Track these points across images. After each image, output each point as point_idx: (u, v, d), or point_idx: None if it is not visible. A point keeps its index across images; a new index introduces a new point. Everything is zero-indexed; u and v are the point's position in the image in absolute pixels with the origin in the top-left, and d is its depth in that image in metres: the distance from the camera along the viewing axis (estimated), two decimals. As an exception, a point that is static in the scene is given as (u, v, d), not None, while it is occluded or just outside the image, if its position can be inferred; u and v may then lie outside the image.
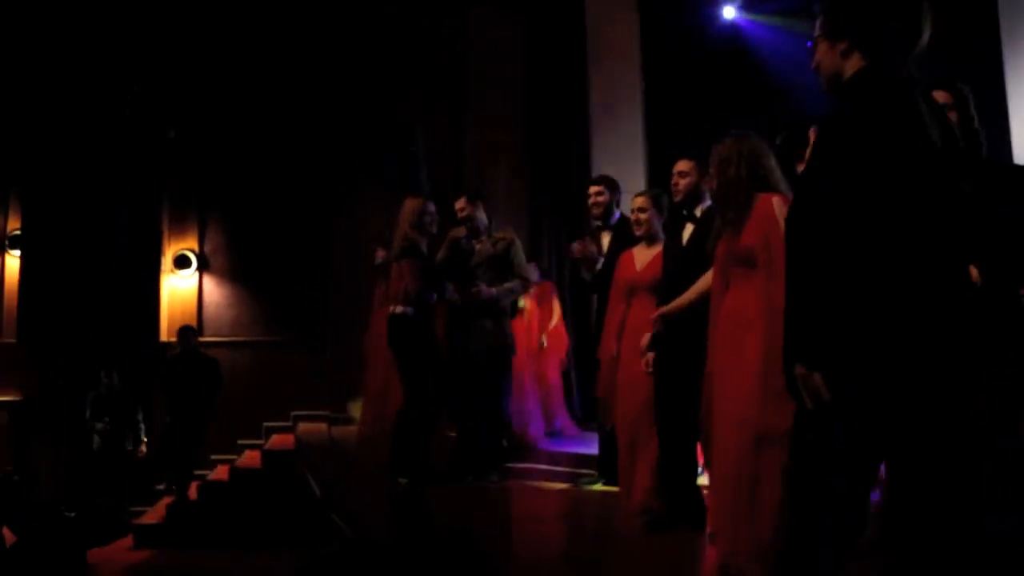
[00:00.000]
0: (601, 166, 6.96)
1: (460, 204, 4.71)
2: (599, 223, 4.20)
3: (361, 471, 5.28)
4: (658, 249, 3.63)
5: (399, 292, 4.44)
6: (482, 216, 4.72)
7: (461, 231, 4.69)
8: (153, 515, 6.87)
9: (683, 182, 3.45)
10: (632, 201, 3.78)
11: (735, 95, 6.62)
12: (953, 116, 2.10)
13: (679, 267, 3.35)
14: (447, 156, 8.18)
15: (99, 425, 6.94)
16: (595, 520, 3.83)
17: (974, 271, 1.98)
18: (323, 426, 7.51)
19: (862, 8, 1.75)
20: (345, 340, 7.33)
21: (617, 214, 4.38)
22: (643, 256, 3.71)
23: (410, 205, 4.51)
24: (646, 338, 3.36)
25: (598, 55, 7.60)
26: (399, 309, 4.40)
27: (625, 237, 3.94)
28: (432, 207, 4.54)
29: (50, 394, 7.45)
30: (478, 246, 4.70)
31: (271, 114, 8.33)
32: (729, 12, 7.34)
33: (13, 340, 8.26)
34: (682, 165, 3.47)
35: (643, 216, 3.67)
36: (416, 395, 4.29)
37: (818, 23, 1.84)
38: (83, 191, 8.09)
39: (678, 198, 3.49)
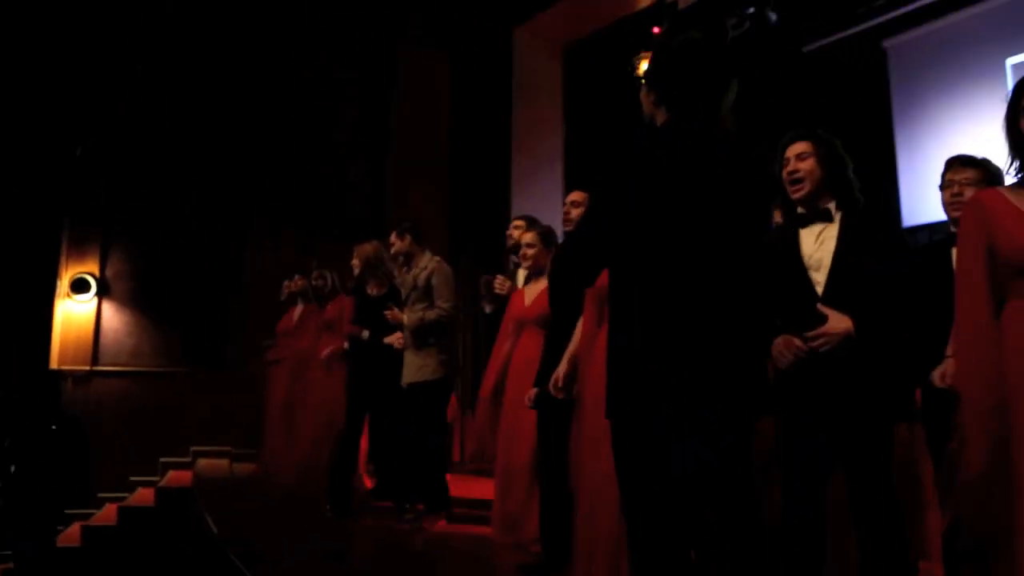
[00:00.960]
0: (521, 202, 7.02)
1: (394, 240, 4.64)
2: (516, 260, 4.19)
3: (267, 506, 5.05)
4: (545, 284, 3.64)
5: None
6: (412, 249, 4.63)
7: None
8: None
9: (575, 212, 3.48)
10: (520, 236, 3.82)
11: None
12: (809, 163, 2.27)
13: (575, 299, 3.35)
14: (368, 189, 8.10)
15: None
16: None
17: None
18: (225, 462, 7.19)
19: (670, 65, 1.86)
20: (250, 373, 7.05)
21: None
22: (531, 292, 3.73)
23: (371, 248, 4.78)
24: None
25: (521, 96, 7.72)
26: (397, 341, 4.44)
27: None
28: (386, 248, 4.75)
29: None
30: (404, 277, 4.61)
31: (186, 138, 8.06)
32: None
33: None
34: (575, 195, 3.54)
35: (530, 252, 3.69)
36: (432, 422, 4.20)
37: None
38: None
39: (567, 228, 3.53)
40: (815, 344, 2.14)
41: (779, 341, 2.22)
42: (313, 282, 5.82)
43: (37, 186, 7.86)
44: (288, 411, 5.95)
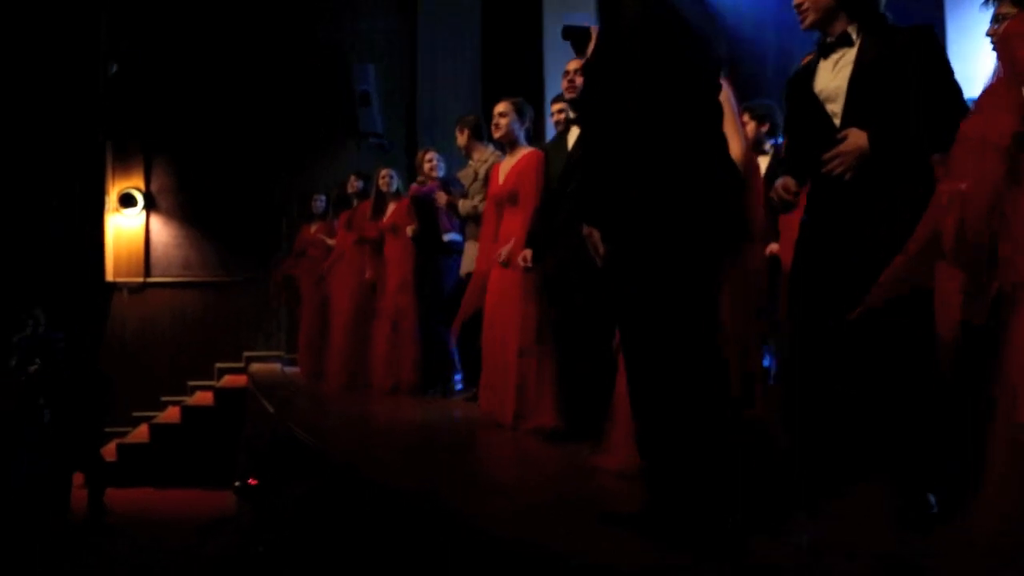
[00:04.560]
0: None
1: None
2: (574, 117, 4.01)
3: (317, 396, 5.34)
4: (518, 157, 3.63)
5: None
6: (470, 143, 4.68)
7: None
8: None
9: (580, 80, 3.27)
10: (494, 108, 3.75)
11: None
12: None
13: (564, 172, 3.31)
14: (401, 92, 8.09)
15: (32, 368, 6.76)
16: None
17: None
18: (276, 367, 7.52)
19: None
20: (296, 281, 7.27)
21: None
22: (506, 166, 3.70)
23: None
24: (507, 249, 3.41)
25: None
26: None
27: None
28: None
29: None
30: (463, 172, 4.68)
31: (220, 51, 8.08)
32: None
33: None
34: (573, 64, 3.39)
35: (503, 120, 3.64)
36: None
37: None
38: (21, 127, 7.79)
39: (570, 95, 3.41)
40: (830, 166, 1.99)
41: (777, 184, 2.15)
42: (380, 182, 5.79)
43: (78, 105, 8.01)
44: (322, 314, 6.19)
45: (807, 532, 1.91)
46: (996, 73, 1.66)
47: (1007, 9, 2.11)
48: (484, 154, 4.47)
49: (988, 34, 2.39)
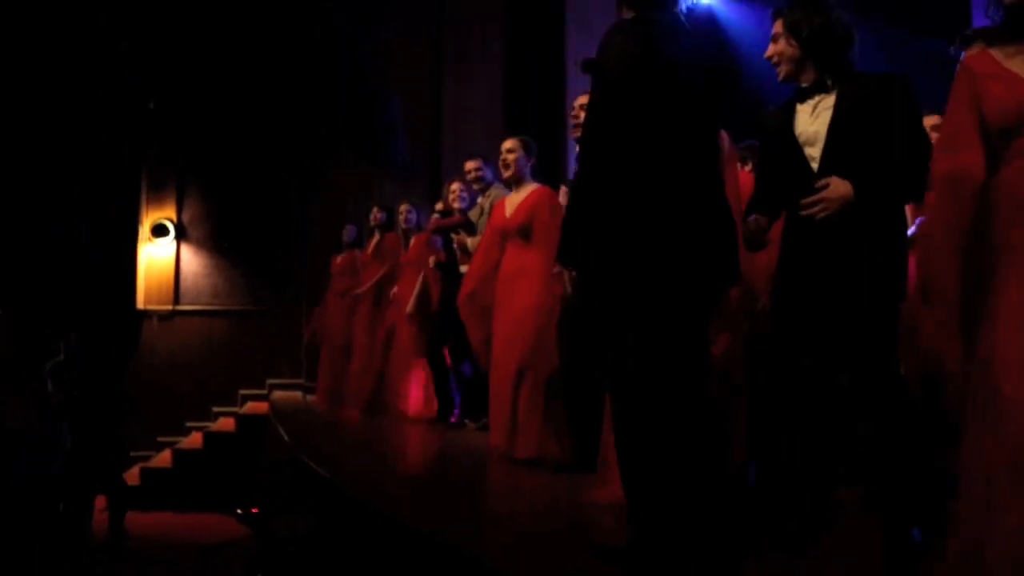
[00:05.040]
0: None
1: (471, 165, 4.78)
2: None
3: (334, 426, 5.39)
4: (526, 193, 3.69)
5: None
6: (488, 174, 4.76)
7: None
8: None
9: (584, 115, 3.43)
10: (502, 145, 3.81)
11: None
12: (780, 44, 2.20)
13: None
14: (425, 123, 8.23)
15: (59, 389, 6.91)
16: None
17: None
18: (298, 394, 7.60)
19: None
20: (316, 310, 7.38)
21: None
22: (512, 201, 3.76)
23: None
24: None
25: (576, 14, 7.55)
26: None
27: None
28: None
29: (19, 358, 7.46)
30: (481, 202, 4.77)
31: (250, 86, 8.33)
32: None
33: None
34: (584, 98, 3.41)
35: (511, 157, 3.71)
36: None
37: None
38: (62, 157, 8.09)
39: (575, 135, 3.45)
40: (812, 211, 2.02)
41: (749, 220, 2.19)
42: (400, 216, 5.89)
43: (117, 139, 8.30)
44: (343, 345, 6.29)
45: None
46: (955, 107, 1.66)
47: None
48: (492, 191, 4.56)
49: None
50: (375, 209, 6.15)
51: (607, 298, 1.96)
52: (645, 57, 1.95)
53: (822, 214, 2.02)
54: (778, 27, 2.21)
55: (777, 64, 2.21)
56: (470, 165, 4.82)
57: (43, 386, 6.92)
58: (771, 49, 2.22)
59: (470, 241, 4.49)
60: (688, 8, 2.08)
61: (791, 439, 2.02)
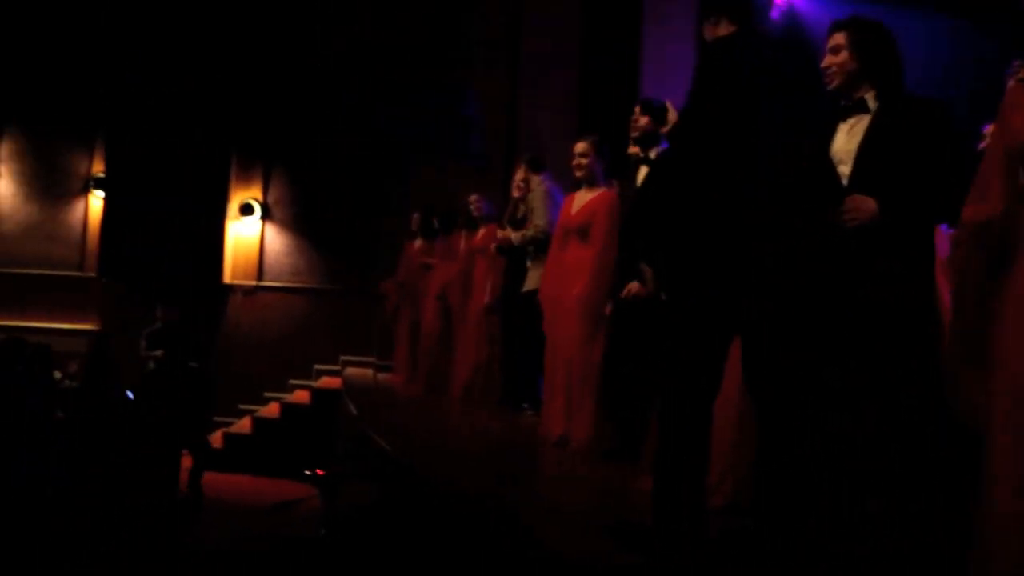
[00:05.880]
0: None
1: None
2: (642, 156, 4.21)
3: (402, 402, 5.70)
4: (596, 193, 3.83)
5: None
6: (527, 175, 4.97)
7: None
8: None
9: (642, 121, 3.50)
10: (574, 146, 3.94)
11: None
12: (842, 56, 2.24)
13: (631, 208, 3.44)
14: (500, 117, 8.43)
15: (155, 354, 7.44)
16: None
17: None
18: (369, 372, 7.97)
19: None
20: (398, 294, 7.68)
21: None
22: (580, 200, 3.91)
23: None
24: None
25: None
26: None
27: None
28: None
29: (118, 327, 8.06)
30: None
31: (335, 76, 8.71)
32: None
33: (94, 274, 8.97)
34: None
35: (584, 161, 3.84)
36: None
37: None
38: (160, 139, 8.66)
39: (635, 135, 3.57)
40: (843, 218, 2.07)
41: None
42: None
43: (209, 121, 8.83)
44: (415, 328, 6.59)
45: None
46: (991, 143, 1.74)
47: None
48: (536, 185, 4.76)
49: None
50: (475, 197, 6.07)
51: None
52: (750, 77, 2.13)
53: (852, 223, 2.07)
54: (841, 39, 2.24)
55: (832, 74, 2.24)
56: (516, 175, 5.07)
57: (138, 352, 7.51)
58: (829, 60, 2.25)
59: (512, 235, 4.70)
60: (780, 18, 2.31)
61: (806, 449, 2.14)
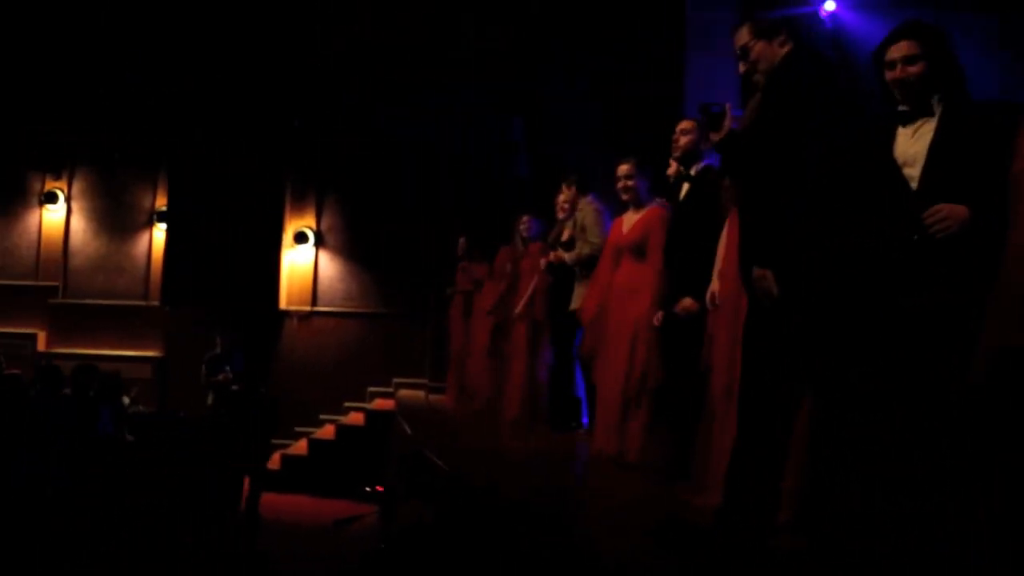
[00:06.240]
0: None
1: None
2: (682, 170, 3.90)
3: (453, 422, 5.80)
4: (644, 212, 3.86)
5: None
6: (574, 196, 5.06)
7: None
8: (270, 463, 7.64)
9: (684, 140, 3.53)
10: (617, 169, 3.98)
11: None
12: (919, 67, 2.17)
13: (675, 225, 3.54)
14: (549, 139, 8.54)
15: (217, 379, 7.65)
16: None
17: None
18: (421, 393, 8.11)
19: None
20: (445, 315, 7.83)
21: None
22: (629, 220, 3.95)
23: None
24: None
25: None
26: None
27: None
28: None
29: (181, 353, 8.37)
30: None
31: (383, 109, 8.98)
32: (830, 5, 7.28)
33: (157, 303, 9.35)
34: (684, 124, 3.58)
35: (629, 183, 3.89)
36: None
37: (745, 31, 2.50)
38: (220, 173, 9.03)
39: (676, 154, 3.59)
40: (932, 219, 2.00)
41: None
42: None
43: (265, 154, 9.17)
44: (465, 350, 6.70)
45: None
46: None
47: None
48: (585, 205, 4.83)
49: None
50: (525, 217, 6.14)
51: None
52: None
53: (944, 232, 1.99)
54: (915, 48, 2.16)
55: (910, 85, 2.17)
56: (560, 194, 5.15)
57: (199, 377, 7.78)
58: (905, 70, 2.17)
59: (566, 255, 4.77)
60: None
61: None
